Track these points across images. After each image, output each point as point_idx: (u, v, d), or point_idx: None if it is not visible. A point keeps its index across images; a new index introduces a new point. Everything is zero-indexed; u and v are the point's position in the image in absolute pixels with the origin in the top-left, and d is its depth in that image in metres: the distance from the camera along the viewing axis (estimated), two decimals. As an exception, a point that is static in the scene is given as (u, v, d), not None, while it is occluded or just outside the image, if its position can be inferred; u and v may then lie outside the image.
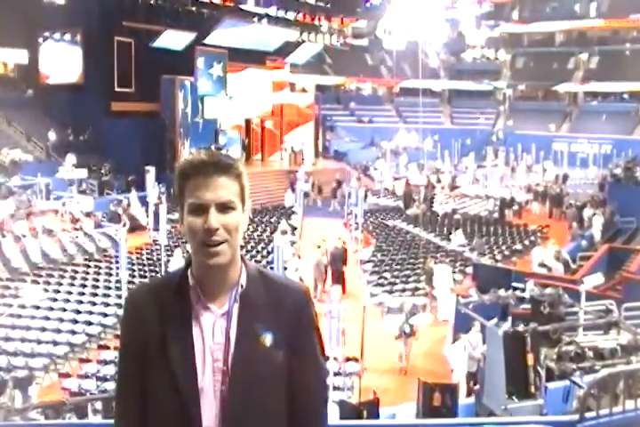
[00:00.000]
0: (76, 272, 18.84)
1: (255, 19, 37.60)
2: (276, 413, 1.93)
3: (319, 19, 43.85)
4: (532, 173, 39.18)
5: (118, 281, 16.86)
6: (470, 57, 56.59)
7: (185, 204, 1.87)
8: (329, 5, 44.69)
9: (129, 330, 1.98)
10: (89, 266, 19.75)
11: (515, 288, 13.07)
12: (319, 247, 19.59)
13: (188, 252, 17.79)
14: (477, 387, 9.55)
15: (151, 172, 24.91)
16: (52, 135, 30.61)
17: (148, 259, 20.56)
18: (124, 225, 23.95)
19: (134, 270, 18.64)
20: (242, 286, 1.93)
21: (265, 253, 20.99)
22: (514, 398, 7.51)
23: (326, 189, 32.72)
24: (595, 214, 25.73)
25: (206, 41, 33.05)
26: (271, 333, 1.90)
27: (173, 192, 1.97)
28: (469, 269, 18.68)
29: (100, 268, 19.53)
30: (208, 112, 32.81)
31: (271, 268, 15.19)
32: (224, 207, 1.85)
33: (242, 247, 1.99)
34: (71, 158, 28.71)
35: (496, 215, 28.91)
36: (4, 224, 21.69)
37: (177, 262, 17.83)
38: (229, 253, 1.87)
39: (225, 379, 1.87)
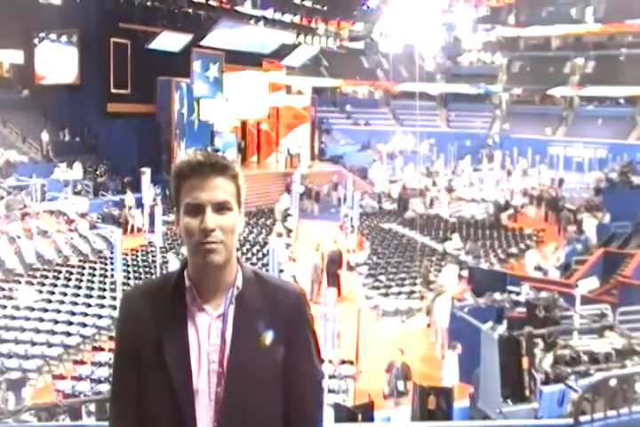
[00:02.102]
0: (71, 273, 18.78)
1: (252, 21, 37.60)
2: (271, 415, 1.92)
3: (316, 21, 43.81)
4: (528, 176, 39.25)
5: (113, 283, 16.81)
6: (467, 61, 56.64)
7: (181, 204, 1.87)
8: (326, 8, 44.68)
9: (124, 331, 1.97)
10: (84, 267, 19.69)
11: (510, 292, 13.09)
12: (317, 250, 19.60)
13: (180, 254, 17.69)
14: (472, 390, 9.55)
15: (147, 173, 24.87)
16: (45, 136, 30.53)
17: (143, 260, 20.52)
18: (126, 226, 24.05)
19: (129, 272, 18.60)
20: (238, 288, 1.92)
21: (260, 255, 20.97)
22: (509, 401, 7.51)
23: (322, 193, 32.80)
24: (583, 218, 25.95)
25: (203, 43, 33.05)
26: (267, 334, 1.89)
27: (169, 194, 1.97)
28: (465, 273, 18.69)
29: (94, 269, 19.47)
30: (204, 114, 32.80)
31: (267, 270, 15.17)
32: (220, 208, 1.85)
33: (237, 250, 1.98)
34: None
35: (492, 219, 28.95)
36: (-2, 225, 21.63)
37: (175, 265, 17.80)
38: (225, 254, 1.86)
39: (220, 381, 1.86)
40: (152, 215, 20.50)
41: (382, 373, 12.00)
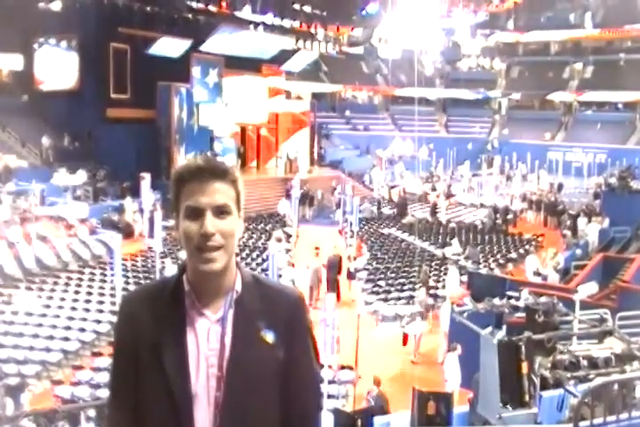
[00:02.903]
0: (70, 279, 18.76)
1: (251, 26, 37.67)
2: (270, 419, 1.93)
3: (315, 27, 43.99)
4: (527, 181, 39.29)
5: (112, 288, 16.79)
6: (465, 66, 56.75)
7: (181, 209, 1.88)
8: (325, 13, 44.83)
9: (122, 335, 1.98)
10: (83, 273, 19.68)
11: (509, 297, 13.06)
12: (317, 255, 19.58)
13: (178, 259, 17.58)
14: (471, 395, 9.53)
15: (146, 178, 24.87)
16: (45, 141, 30.54)
17: (142, 266, 20.50)
18: (127, 231, 24.03)
19: (129, 277, 18.57)
20: (237, 292, 1.93)
21: (260, 260, 20.96)
22: (508, 406, 7.49)
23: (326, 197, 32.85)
24: (578, 222, 26.05)
25: (202, 48, 33.08)
26: (266, 338, 1.89)
27: (169, 198, 1.97)
28: (464, 278, 18.67)
29: (94, 274, 19.46)
30: (203, 119, 32.82)
31: (266, 275, 15.16)
32: (220, 212, 1.85)
33: (236, 255, 1.99)
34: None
35: (492, 224, 28.95)
36: (-3, 230, 21.60)
37: (171, 270, 17.75)
38: (225, 259, 1.87)
39: (220, 385, 1.86)
40: (152, 220, 20.47)
41: (382, 378, 11.97)
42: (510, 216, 29.86)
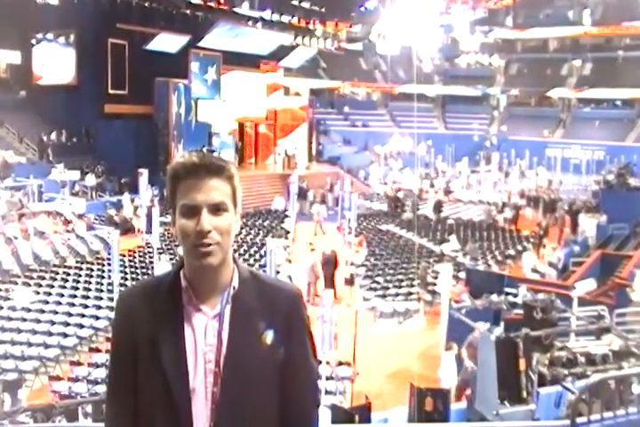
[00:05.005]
0: (68, 274, 18.73)
1: (249, 22, 37.62)
2: (268, 414, 1.92)
3: (313, 23, 43.90)
4: (526, 178, 39.30)
5: (110, 284, 16.78)
6: (464, 62, 56.69)
7: (177, 206, 1.87)
8: (323, 9, 44.74)
9: (120, 331, 1.97)
10: (81, 268, 19.65)
11: (507, 293, 13.08)
12: (313, 250, 19.55)
13: (176, 255, 17.52)
14: (469, 392, 9.54)
15: (144, 174, 24.87)
16: (44, 137, 30.53)
17: (140, 261, 20.49)
18: (125, 227, 24.02)
19: (126, 273, 18.56)
20: (234, 288, 1.92)
21: (258, 256, 20.95)
22: (506, 403, 7.50)
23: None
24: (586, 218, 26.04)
25: (200, 44, 33.08)
26: (263, 334, 1.89)
27: (166, 194, 1.96)
28: (462, 274, 18.67)
29: (92, 270, 19.42)
30: (201, 115, 32.79)
31: (264, 272, 15.14)
32: (216, 209, 1.84)
33: (234, 251, 1.98)
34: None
35: (490, 220, 28.95)
36: (-5, 226, 21.59)
37: (164, 266, 17.73)
38: (221, 255, 1.86)
39: (217, 380, 1.86)
40: (149, 216, 20.48)
41: (379, 374, 11.99)
42: (508, 213, 29.83)
